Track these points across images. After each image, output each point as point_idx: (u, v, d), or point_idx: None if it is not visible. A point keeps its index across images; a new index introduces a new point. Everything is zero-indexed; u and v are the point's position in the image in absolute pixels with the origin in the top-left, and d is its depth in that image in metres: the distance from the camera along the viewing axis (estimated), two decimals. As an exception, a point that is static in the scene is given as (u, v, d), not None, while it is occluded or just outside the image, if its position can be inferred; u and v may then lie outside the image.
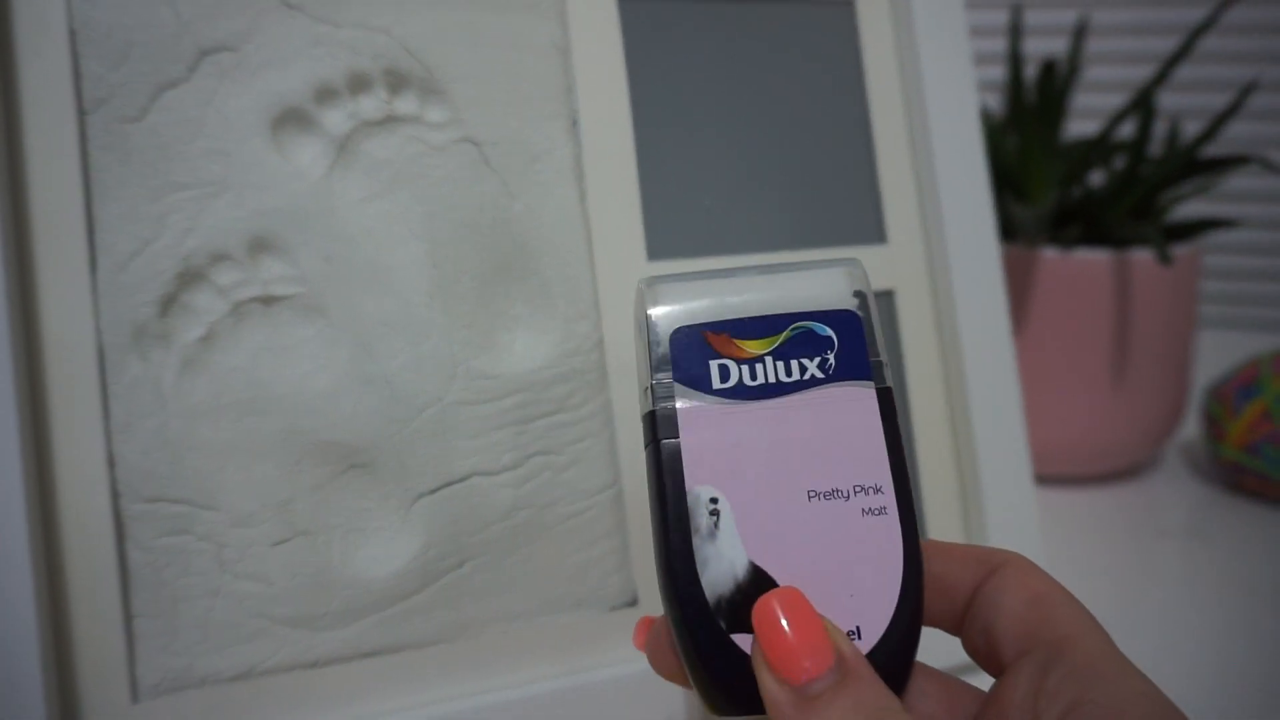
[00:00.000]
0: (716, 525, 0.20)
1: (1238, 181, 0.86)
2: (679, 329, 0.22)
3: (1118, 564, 0.48)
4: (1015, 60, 0.57)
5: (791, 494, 0.21)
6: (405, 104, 0.32)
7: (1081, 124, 0.65)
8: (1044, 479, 0.55)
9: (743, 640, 0.20)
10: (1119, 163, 0.57)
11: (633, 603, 0.33)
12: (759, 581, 0.20)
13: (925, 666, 0.23)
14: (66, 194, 0.29)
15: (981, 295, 0.38)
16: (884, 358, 0.22)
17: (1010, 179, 0.55)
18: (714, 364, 0.21)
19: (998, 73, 0.61)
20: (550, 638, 0.32)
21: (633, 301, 0.22)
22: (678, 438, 0.21)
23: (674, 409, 0.21)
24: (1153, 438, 0.56)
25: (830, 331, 0.22)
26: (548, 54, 0.34)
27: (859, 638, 0.20)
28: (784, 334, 0.22)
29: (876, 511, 0.21)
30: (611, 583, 0.33)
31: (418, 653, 0.31)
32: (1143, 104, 0.54)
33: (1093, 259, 0.51)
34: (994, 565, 0.22)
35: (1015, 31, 0.57)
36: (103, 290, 0.29)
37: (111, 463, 0.29)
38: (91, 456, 0.28)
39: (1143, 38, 0.95)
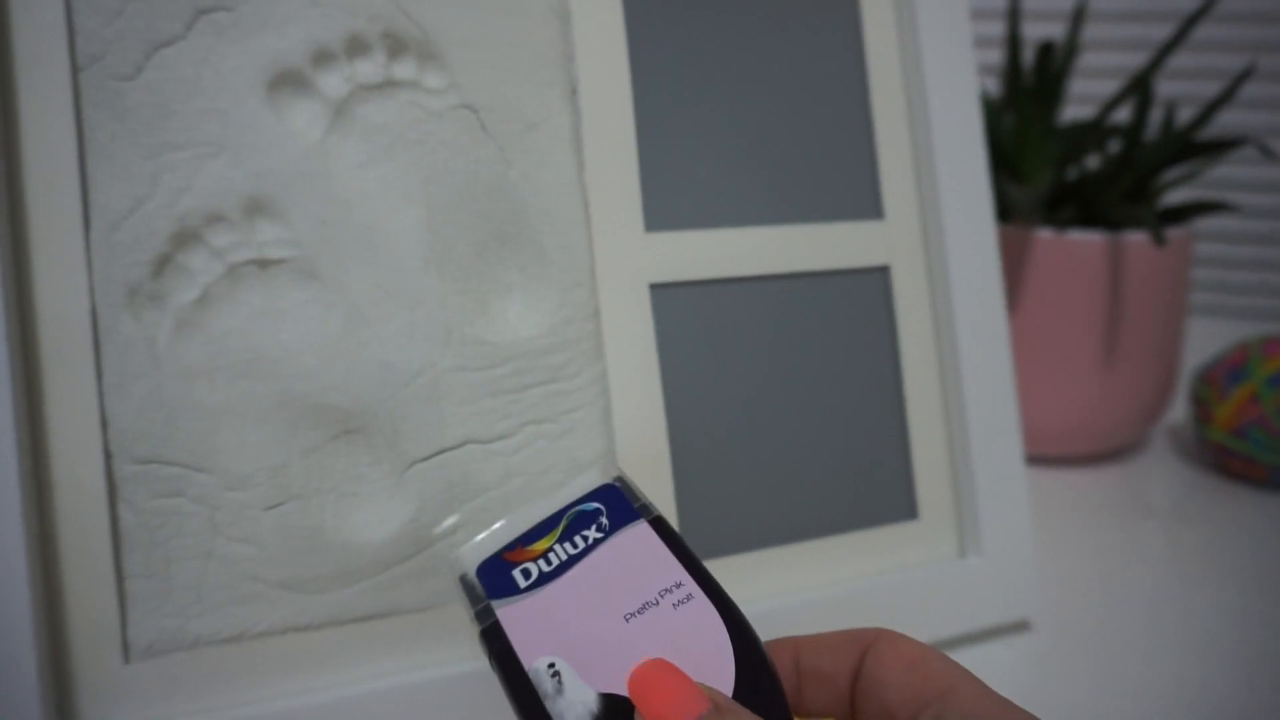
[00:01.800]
0: (561, 682, 0.22)
1: (1227, 170, 0.87)
2: (482, 564, 0.25)
3: (1104, 544, 0.48)
4: (1014, 43, 0.57)
5: (612, 624, 0.23)
6: (403, 68, 0.32)
7: (1077, 109, 0.65)
8: (1032, 459, 0.56)
9: None
10: (1114, 147, 0.57)
11: (625, 571, 0.33)
12: (613, 704, 0.22)
13: None
14: (60, 152, 0.29)
15: (977, 273, 0.38)
16: (647, 501, 0.26)
17: (1006, 159, 0.55)
18: (515, 571, 0.24)
19: (995, 56, 0.61)
20: (543, 605, 0.32)
21: (450, 584, 0.25)
22: (508, 640, 0.23)
23: (496, 620, 0.23)
24: (1141, 420, 0.57)
25: (597, 504, 0.26)
26: (547, 20, 0.34)
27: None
28: (562, 523, 0.25)
29: (685, 600, 0.24)
30: (604, 551, 0.33)
31: (409, 618, 0.31)
32: (1140, 87, 0.54)
33: (1086, 240, 0.52)
34: (865, 644, 0.24)
35: (1014, 15, 0.57)
36: (96, 249, 0.29)
37: (104, 423, 0.29)
38: (84, 417, 0.28)
39: (1139, 24, 0.95)
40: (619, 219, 0.34)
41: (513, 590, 0.24)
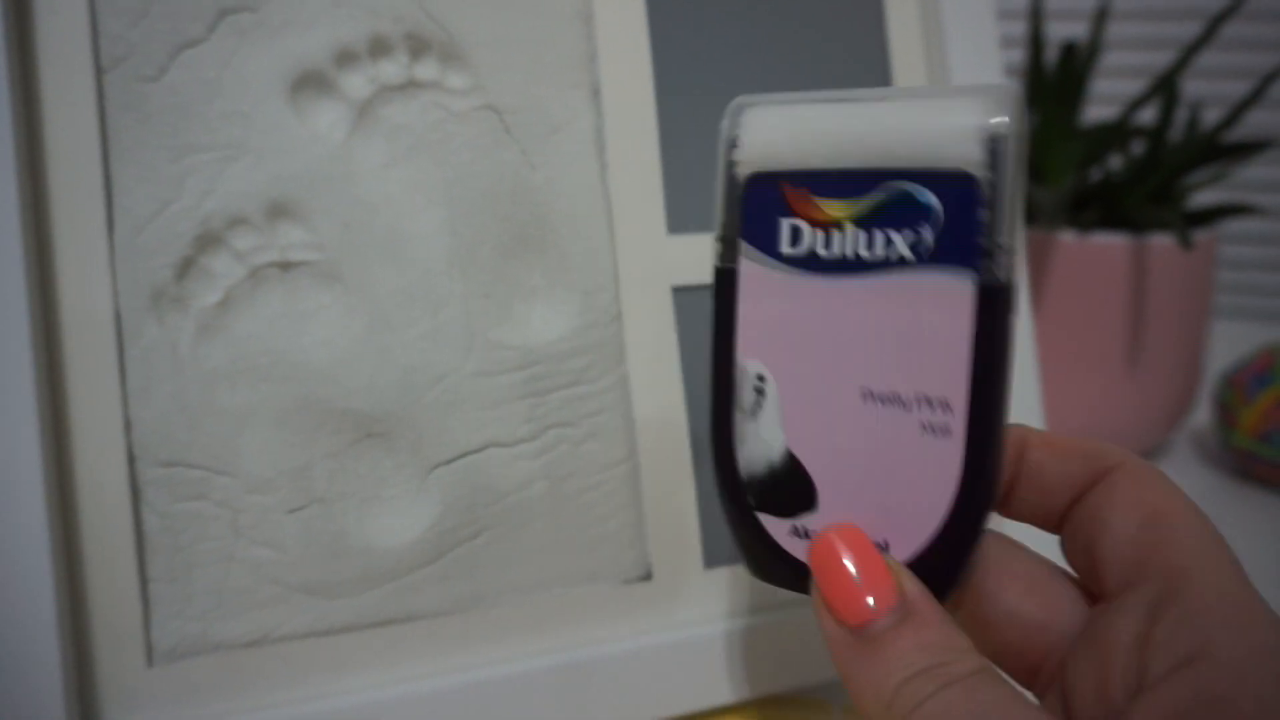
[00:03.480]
0: (760, 404, 0.19)
1: (1253, 171, 0.86)
2: (755, 175, 0.18)
3: (1128, 550, 0.48)
4: (1036, 43, 0.56)
5: (845, 388, 0.18)
6: (426, 69, 0.32)
7: (1100, 109, 0.64)
8: (1054, 464, 0.55)
9: (768, 521, 0.19)
10: (1137, 148, 0.57)
11: (647, 576, 0.33)
12: (793, 471, 0.19)
13: (1027, 554, 0.20)
14: (84, 154, 0.28)
15: (1002, 276, 0.38)
16: (1004, 240, 0.17)
17: (1029, 161, 0.55)
18: (785, 224, 0.18)
19: (1017, 56, 0.60)
20: (564, 610, 0.32)
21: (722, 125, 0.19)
22: (735, 303, 0.19)
23: (735, 269, 0.19)
24: (1164, 424, 0.56)
25: (934, 200, 0.17)
26: (570, 21, 0.33)
27: (886, 551, 0.19)
28: (878, 195, 0.18)
29: (939, 430, 0.18)
30: (626, 556, 0.33)
31: (432, 623, 0.31)
32: (1166, 87, 0.54)
33: (1110, 243, 0.51)
34: (1104, 467, 0.19)
35: (1036, 14, 0.57)
36: (120, 252, 0.29)
37: (128, 426, 0.29)
38: (108, 420, 0.28)
39: (1162, 23, 0.94)
40: (641, 221, 0.34)
41: (770, 247, 0.18)
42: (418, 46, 0.32)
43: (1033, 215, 0.53)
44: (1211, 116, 0.56)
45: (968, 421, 0.18)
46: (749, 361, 0.19)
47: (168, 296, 0.29)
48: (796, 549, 0.20)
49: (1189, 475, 0.57)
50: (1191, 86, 0.66)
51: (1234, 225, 0.89)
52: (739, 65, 0.36)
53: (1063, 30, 0.66)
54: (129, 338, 0.29)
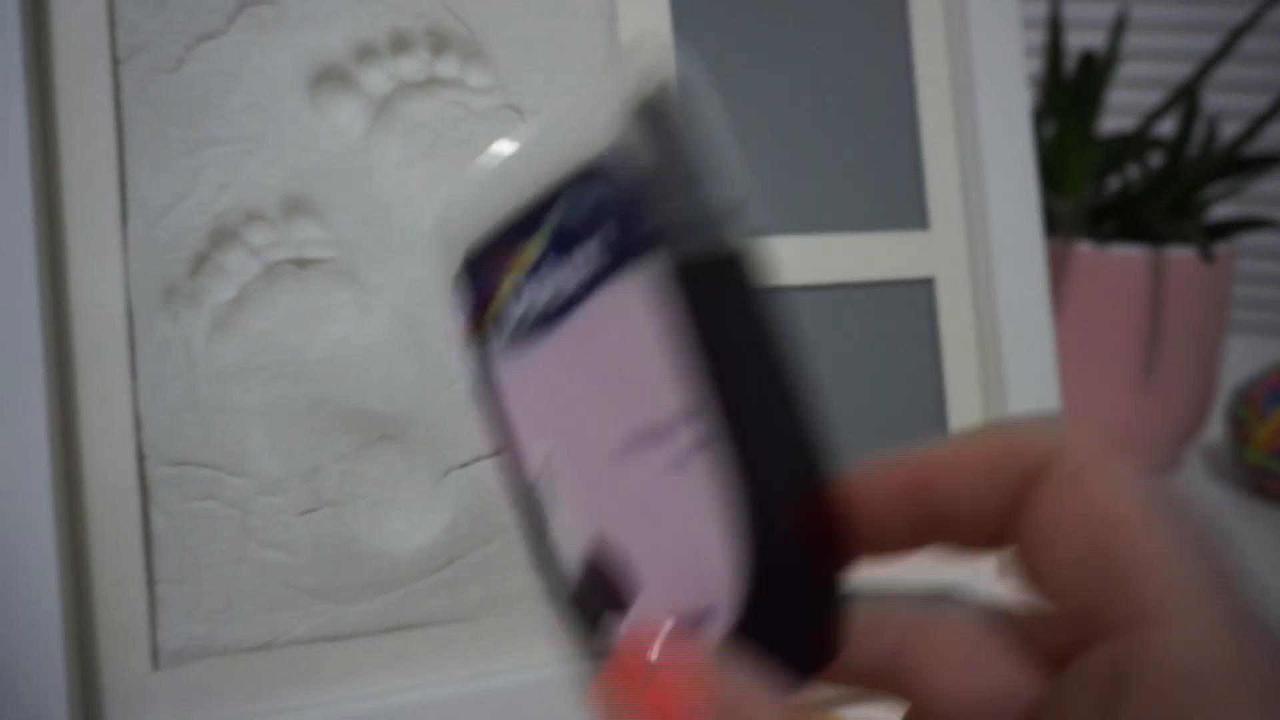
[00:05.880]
0: (555, 492, 0.16)
1: (1269, 185, 0.85)
2: (472, 259, 0.16)
3: (1141, 565, 0.47)
4: (1055, 52, 0.56)
5: (598, 460, 0.15)
6: (446, 66, 0.31)
7: (1117, 120, 0.64)
8: (1066, 477, 0.55)
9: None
10: (1154, 159, 0.56)
11: (662, 586, 0.32)
12: (605, 565, 0.16)
13: (952, 621, 0.16)
14: (99, 145, 0.28)
15: (1024, 287, 0.38)
16: (687, 214, 0.14)
17: (1045, 169, 0.54)
18: (499, 293, 0.16)
19: (1034, 65, 0.59)
20: (577, 619, 0.31)
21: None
22: (503, 401, 0.16)
23: (487, 354, 0.16)
24: (1177, 438, 0.55)
25: (598, 192, 0.14)
26: (593, 21, 0.33)
27: (715, 618, 0.15)
28: (550, 220, 0.15)
29: (687, 455, 0.14)
30: (641, 565, 0.32)
31: (443, 629, 0.30)
32: (1186, 98, 0.53)
33: (1128, 255, 0.50)
34: (1032, 468, 0.14)
35: (1055, 24, 0.56)
36: (133, 246, 0.28)
37: (138, 424, 0.28)
38: (118, 417, 0.28)
39: (1182, 35, 0.93)
40: (662, 225, 0.33)
41: (503, 325, 0.16)
42: (439, 43, 0.31)
43: (1051, 225, 0.53)
44: (1229, 130, 0.55)
45: (726, 425, 0.14)
46: (532, 451, 0.16)
47: (181, 292, 0.29)
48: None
49: (1202, 491, 0.57)
50: (1209, 99, 0.66)
51: (1249, 239, 0.89)
52: (761, 71, 0.35)
53: (1081, 40, 0.65)
54: (141, 334, 0.28)
